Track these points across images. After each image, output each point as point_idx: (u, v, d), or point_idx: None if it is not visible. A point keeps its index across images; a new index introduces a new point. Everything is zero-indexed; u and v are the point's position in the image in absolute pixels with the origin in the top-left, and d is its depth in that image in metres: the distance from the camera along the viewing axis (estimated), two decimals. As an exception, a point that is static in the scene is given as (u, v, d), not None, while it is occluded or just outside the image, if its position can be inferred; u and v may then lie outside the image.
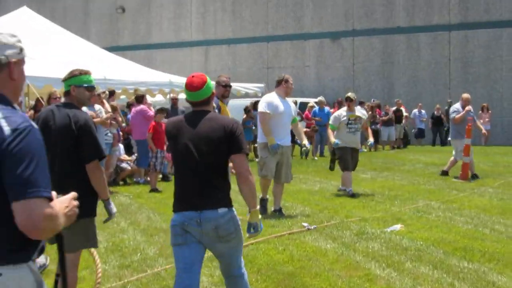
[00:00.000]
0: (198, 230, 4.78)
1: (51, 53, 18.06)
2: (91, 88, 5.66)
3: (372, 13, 33.09)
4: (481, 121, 24.87)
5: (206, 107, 5.05)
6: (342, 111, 13.38)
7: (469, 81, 31.23)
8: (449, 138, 17.19)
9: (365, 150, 24.09)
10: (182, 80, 20.38)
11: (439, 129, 29.80)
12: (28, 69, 13.79)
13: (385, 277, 6.84)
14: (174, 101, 19.37)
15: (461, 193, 13.30)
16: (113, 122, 14.05)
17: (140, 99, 15.77)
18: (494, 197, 12.72)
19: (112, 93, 15.68)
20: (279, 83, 10.77)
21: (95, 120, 12.64)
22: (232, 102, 25.48)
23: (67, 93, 5.61)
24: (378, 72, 32.70)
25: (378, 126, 26.41)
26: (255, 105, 23.40)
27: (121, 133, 15.66)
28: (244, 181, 4.87)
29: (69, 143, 5.33)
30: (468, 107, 15.85)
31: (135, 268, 7.37)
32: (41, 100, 14.18)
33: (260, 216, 5.16)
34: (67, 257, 4.31)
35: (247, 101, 25.10)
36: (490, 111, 25.60)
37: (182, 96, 17.92)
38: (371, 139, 14.57)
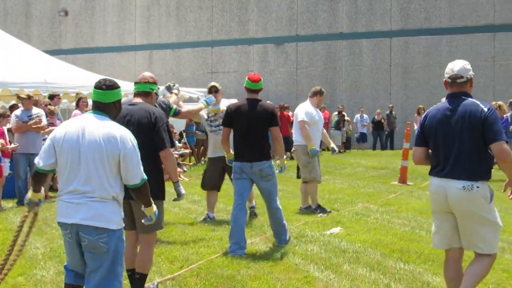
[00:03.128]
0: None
1: (-9, 56, 17.81)
2: None
3: (316, 19, 33.40)
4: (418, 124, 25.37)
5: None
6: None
7: (409, 86, 31.79)
8: None
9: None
10: (124, 84, 20.26)
11: (379, 134, 30.26)
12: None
13: (323, 279, 6.95)
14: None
15: (399, 196, 13.57)
16: (51, 127, 13.78)
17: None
18: (431, 200, 12.99)
19: (52, 97, 15.40)
20: (315, 94, 11.60)
21: (29, 126, 12.47)
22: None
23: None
24: (321, 77, 32.98)
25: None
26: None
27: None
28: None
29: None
30: None
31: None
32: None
33: (285, 163, 8.89)
34: (143, 236, 6.35)
35: (191, 106, 25.09)
36: (393, 112, 26.05)
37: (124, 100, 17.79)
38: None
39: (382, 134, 30.35)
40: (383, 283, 6.79)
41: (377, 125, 30.05)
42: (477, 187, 5.35)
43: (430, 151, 5.81)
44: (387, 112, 30.28)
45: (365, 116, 30.41)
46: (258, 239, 9.00)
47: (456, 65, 5.67)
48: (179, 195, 6.73)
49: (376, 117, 30.02)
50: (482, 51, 30.57)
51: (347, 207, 11.97)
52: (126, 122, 6.14)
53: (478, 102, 5.47)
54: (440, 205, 5.58)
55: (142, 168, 5.04)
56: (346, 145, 29.66)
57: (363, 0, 32.57)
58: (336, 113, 28.13)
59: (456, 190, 5.39)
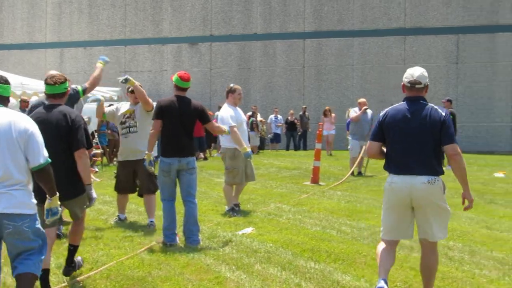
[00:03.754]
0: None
1: None
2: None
3: (230, 19, 33.47)
4: (324, 126, 25.60)
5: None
6: (119, 104, 10.64)
7: (322, 87, 32.24)
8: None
9: None
10: (34, 83, 19.78)
11: (293, 134, 30.52)
12: None
13: (234, 279, 6.95)
14: (24, 104, 18.01)
15: (311, 196, 13.71)
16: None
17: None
18: (342, 199, 13.19)
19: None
20: (227, 93, 11.51)
21: None
22: (87, 105, 24.99)
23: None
24: (235, 78, 33.03)
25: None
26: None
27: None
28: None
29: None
30: (365, 107, 17.96)
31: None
32: None
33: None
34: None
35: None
36: (334, 115, 26.40)
37: (34, 99, 17.35)
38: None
39: (295, 135, 30.62)
40: (294, 282, 6.84)
41: (290, 126, 30.31)
42: (438, 180, 6.01)
43: (383, 148, 6.36)
44: (300, 113, 30.58)
45: (279, 116, 30.63)
46: (170, 240, 8.93)
47: (416, 72, 6.30)
48: (90, 200, 6.70)
49: (289, 117, 30.29)
50: (393, 54, 31.30)
51: (260, 208, 12.00)
52: (44, 126, 5.96)
53: (437, 107, 6.13)
54: (401, 200, 6.12)
55: (45, 149, 5.25)
56: (260, 146, 29.81)
57: (277, 1, 32.83)
58: (250, 113, 28.23)
59: (421, 184, 5.97)
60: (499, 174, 18.33)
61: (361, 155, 17.62)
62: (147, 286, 6.73)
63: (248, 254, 8.07)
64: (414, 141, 6.06)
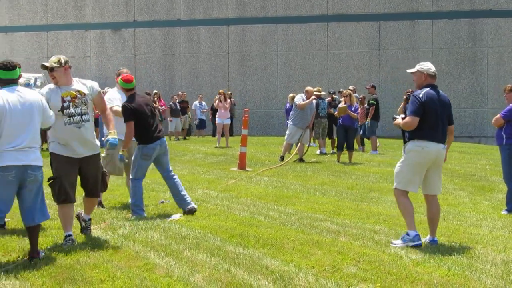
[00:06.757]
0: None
1: None
2: None
3: (153, 5, 33.22)
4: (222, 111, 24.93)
5: None
6: (48, 87, 7.91)
7: (247, 73, 32.35)
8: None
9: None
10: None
11: (218, 120, 30.51)
12: None
13: (164, 265, 6.93)
14: None
15: (238, 181, 13.77)
16: None
17: None
18: (269, 185, 13.30)
19: None
20: (116, 77, 10.51)
21: None
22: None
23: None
24: (159, 64, 32.93)
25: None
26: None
27: None
28: None
29: None
30: (313, 97, 18.01)
31: None
32: None
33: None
34: None
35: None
36: (229, 100, 25.71)
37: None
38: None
39: (221, 121, 30.63)
40: (223, 268, 6.86)
41: (216, 112, 30.23)
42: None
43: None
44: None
45: (203, 103, 30.58)
46: (97, 226, 8.85)
47: (433, 66, 8.24)
48: None
49: (215, 104, 30.22)
50: (316, 40, 31.62)
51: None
52: None
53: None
54: (429, 161, 8.07)
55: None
56: (186, 132, 29.74)
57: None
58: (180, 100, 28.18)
59: (442, 149, 8.15)
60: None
61: (302, 142, 17.92)
62: (76, 274, 6.65)
63: (177, 241, 8.07)
64: (441, 117, 8.09)
